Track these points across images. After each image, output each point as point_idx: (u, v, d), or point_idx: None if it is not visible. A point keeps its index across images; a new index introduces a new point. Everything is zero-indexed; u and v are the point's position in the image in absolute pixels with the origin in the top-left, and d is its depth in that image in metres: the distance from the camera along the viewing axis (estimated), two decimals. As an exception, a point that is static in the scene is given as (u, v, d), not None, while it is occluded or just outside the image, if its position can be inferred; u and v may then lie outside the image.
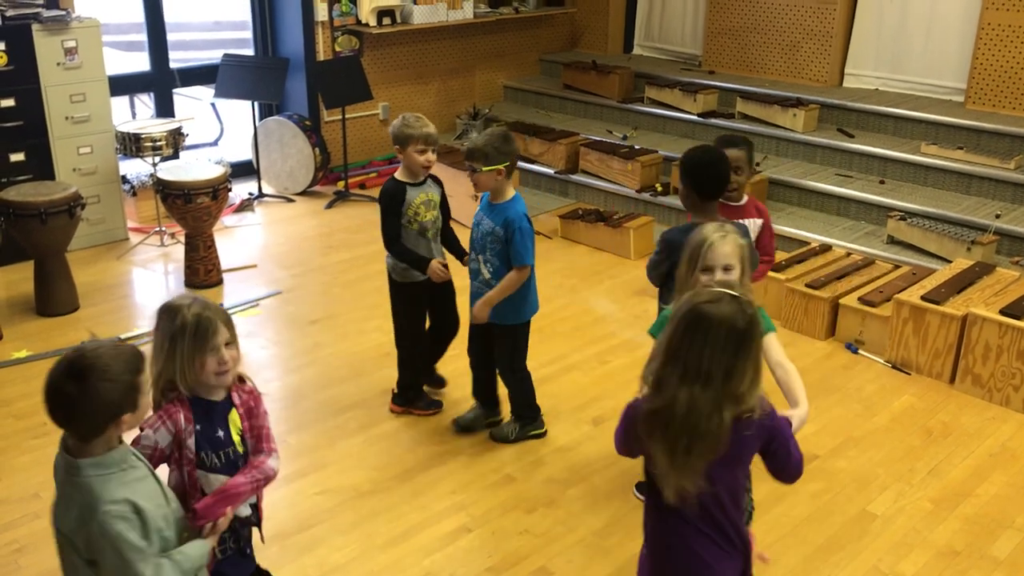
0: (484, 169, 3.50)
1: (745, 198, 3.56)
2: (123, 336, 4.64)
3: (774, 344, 2.64)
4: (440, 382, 4.23)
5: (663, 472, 2.03)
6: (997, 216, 5.36)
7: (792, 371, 2.62)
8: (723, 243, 2.51)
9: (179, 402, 2.24)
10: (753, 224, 3.49)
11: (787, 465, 2.17)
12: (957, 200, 5.65)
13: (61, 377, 1.94)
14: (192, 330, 2.17)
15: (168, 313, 2.21)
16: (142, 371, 2.03)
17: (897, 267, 5.12)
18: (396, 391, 4.08)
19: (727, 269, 2.51)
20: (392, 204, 3.74)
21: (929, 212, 5.49)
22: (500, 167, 3.49)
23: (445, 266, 3.80)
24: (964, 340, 4.25)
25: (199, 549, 2.14)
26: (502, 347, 3.75)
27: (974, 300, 4.38)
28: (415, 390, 4.05)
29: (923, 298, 4.41)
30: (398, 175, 3.79)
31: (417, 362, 4.03)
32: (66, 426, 1.99)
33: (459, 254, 3.92)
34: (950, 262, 4.98)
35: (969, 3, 6.30)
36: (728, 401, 1.98)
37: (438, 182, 3.90)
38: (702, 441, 1.97)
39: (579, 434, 3.91)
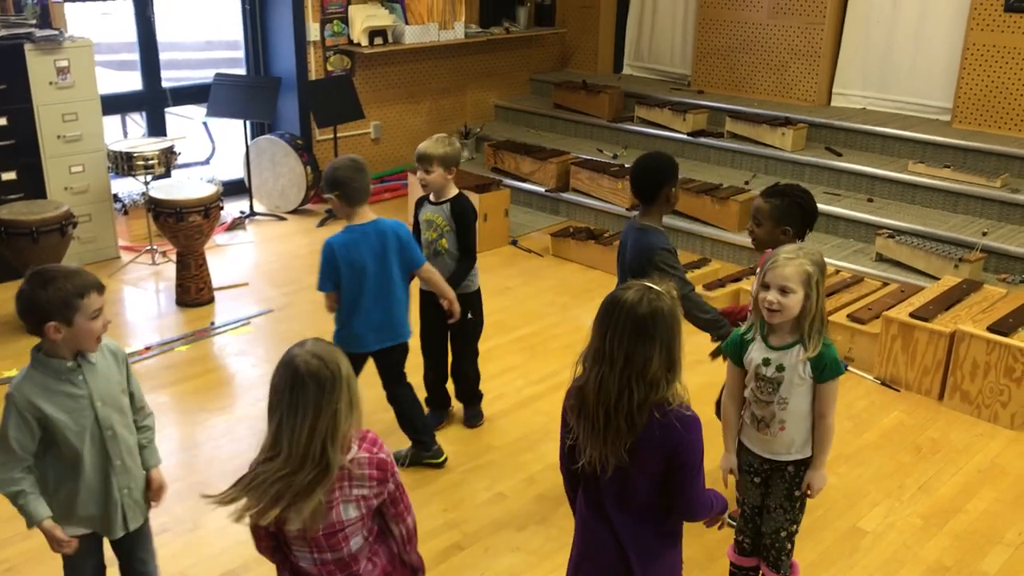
0: (327, 196, 3.53)
1: None
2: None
3: (827, 394, 2.64)
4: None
5: (583, 445, 2.15)
6: (984, 234, 5.41)
7: (828, 430, 2.67)
8: (787, 265, 2.53)
9: None
10: None
11: (684, 490, 2.16)
12: (944, 218, 5.70)
13: (23, 279, 2.32)
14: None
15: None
16: (86, 296, 2.28)
17: (886, 284, 5.15)
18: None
19: (784, 291, 2.53)
20: (416, 209, 4.00)
21: (917, 230, 5.54)
22: (332, 196, 3.48)
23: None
24: (952, 357, 4.28)
25: (37, 512, 2.40)
26: None
27: (962, 317, 4.42)
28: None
29: (912, 315, 4.44)
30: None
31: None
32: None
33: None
34: (938, 279, 5.02)
35: (955, 24, 6.38)
36: (638, 382, 2.07)
37: (459, 207, 3.84)
38: (616, 418, 2.08)
39: (571, 451, 3.92)
